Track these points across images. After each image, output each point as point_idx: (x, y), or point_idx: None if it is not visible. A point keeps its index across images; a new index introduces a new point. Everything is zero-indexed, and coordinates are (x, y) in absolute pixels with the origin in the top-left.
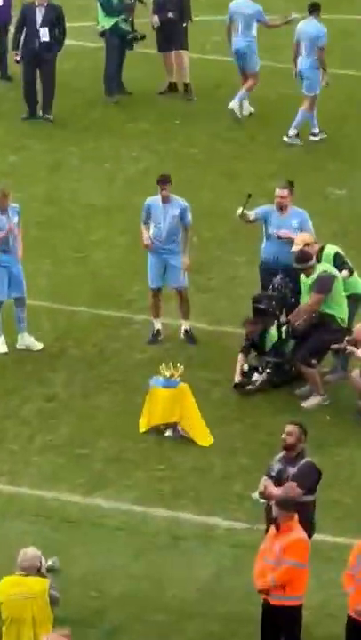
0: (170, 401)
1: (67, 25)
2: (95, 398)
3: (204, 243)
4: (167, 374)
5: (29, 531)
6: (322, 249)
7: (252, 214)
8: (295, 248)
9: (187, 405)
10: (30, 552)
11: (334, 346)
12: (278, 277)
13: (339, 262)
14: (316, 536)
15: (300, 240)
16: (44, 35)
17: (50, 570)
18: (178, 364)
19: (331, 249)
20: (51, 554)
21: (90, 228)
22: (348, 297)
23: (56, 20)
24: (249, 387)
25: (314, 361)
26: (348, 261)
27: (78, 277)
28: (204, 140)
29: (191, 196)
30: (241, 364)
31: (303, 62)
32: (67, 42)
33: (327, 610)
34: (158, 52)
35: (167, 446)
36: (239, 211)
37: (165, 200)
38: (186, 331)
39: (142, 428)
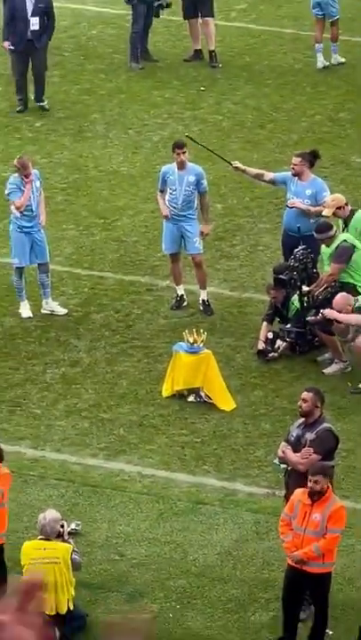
0: (193, 367)
1: None
2: (119, 364)
3: (228, 209)
4: (190, 340)
5: (52, 495)
6: (353, 212)
7: (270, 175)
8: (326, 211)
9: (210, 371)
10: (50, 515)
11: (311, 319)
12: (300, 248)
13: None
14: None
15: (331, 203)
16: (35, 24)
17: (72, 533)
18: (201, 331)
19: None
20: (73, 517)
21: (114, 194)
22: None
23: (45, 9)
24: (272, 354)
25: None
26: None
27: (103, 243)
28: (229, 108)
29: (215, 164)
30: (265, 332)
31: None
32: (93, 8)
33: (348, 575)
34: (184, 20)
35: (190, 411)
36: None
37: (181, 167)
38: (203, 301)
39: (165, 394)
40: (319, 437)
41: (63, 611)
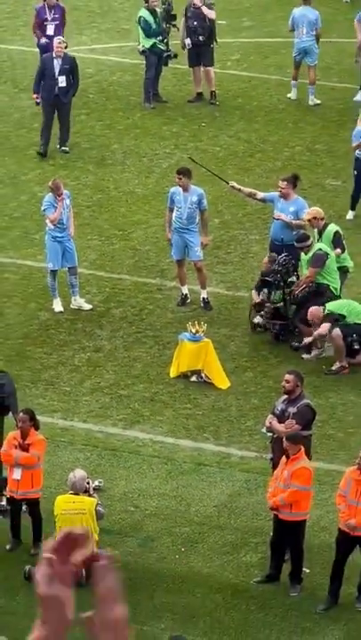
0: (195, 352)
1: (113, 45)
2: (134, 350)
3: (224, 223)
4: (193, 331)
5: (79, 457)
6: (326, 225)
7: (260, 194)
8: (305, 217)
9: (209, 356)
10: (79, 473)
11: (294, 344)
12: (283, 255)
13: (336, 239)
14: (312, 463)
15: (311, 212)
16: (62, 82)
17: (96, 489)
18: (202, 323)
19: (333, 227)
20: (97, 476)
21: (131, 211)
22: (339, 269)
23: (71, 69)
24: (258, 320)
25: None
26: (344, 241)
27: (121, 251)
28: (225, 140)
29: (214, 186)
30: (254, 297)
31: (306, 40)
32: (113, 58)
33: (322, 524)
34: (189, 67)
35: (192, 389)
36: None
37: (185, 189)
38: (203, 299)
39: (172, 374)
40: (300, 411)
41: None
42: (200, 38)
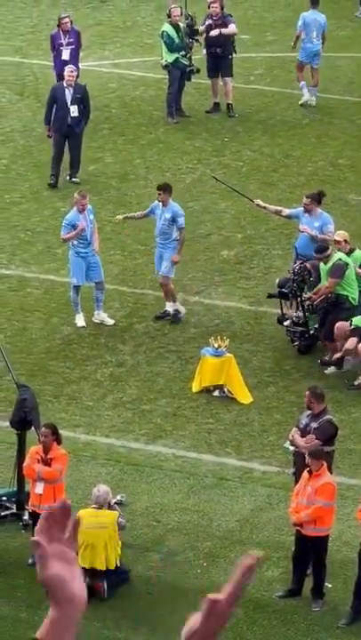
0: (217, 367)
1: (136, 60)
2: (156, 365)
3: (247, 238)
4: (215, 345)
5: (101, 472)
6: (352, 250)
7: (286, 211)
8: (336, 237)
9: (231, 371)
10: (103, 488)
11: (324, 359)
12: (297, 263)
13: None
14: (334, 478)
15: (340, 235)
16: (74, 111)
17: (118, 503)
18: (225, 338)
19: (360, 253)
20: (119, 491)
21: (153, 226)
22: None
23: (82, 98)
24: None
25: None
26: None
27: (144, 266)
28: (248, 155)
29: (237, 201)
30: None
31: (316, 44)
32: (136, 73)
33: (344, 538)
34: (208, 78)
35: (215, 404)
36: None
37: (164, 204)
38: (166, 311)
39: (194, 389)
40: (321, 426)
41: (112, 566)
42: (218, 50)
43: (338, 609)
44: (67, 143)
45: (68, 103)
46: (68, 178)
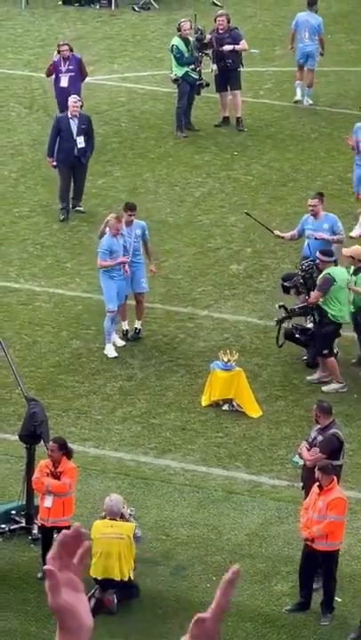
0: (227, 381)
1: (146, 73)
2: (166, 379)
3: (256, 252)
4: (225, 359)
5: (110, 486)
6: (360, 269)
7: (293, 232)
8: (346, 252)
9: (241, 385)
10: (115, 497)
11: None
12: (307, 260)
13: None
14: (343, 492)
15: (354, 250)
16: (81, 142)
17: (131, 515)
18: (234, 352)
19: None
20: (128, 505)
21: (163, 240)
22: None
23: (87, 129)
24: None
25: (325, 351)
26: None
27: (153, 280)
28: (257, 169)
29: (244, 215)
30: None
31: (309, 45)
32: (146, 87)
33: (353, 552)
34: (217, 92)
35: (224, 418)
36: (276, 232)
37: (128, 224)
38: (136, 328)
39: (204, 403)
40: (325, 440)
41: (126, 578)
42: (228, 62)
43: (347, 623)
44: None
45: (75, 134)
46: (71, 207)
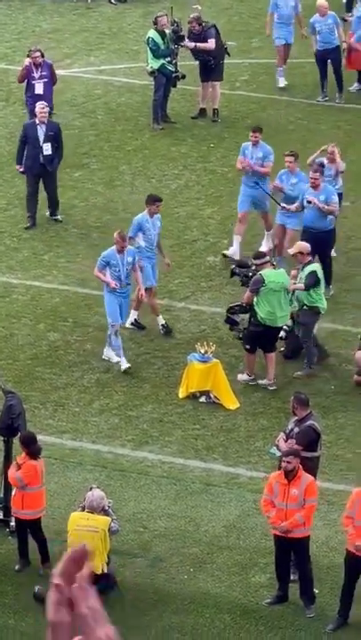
0: (204, 373)
1: (122, 66)
2: (143, 371)
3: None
4: (202, 351)
5: (88, 478)
6: (309, 263)
7: (297, 204)
8: (291, 251)
9: (218, 376)
10: (97, 493)
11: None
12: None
13: (309, 277)
14: (321, 484)
15: (297, 247)
16: (47, 149)
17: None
18: (211, 344)
19: (311, 267)
20: (106, 497)
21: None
22: (310, 308)
23: (55, 136)
24: (236, 329)
25: (248, 347)
26: (319, 278)
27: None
28: (234, 161)
29: (224, 207)
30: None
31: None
32: (122, 79)
33: (331, 544)
34: (201, 82)
35: (201, 410)
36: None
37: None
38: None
39: (181, 395)
40: (301, 431)
41: (98, 571)
42: (209, 60)
43: (326, 614)
44: (41, 182)
45: (41, 141)
46: (48, 214)
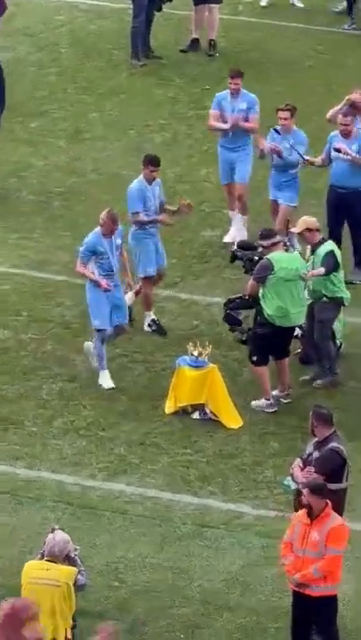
0: (197, 382)
1: None
2: (119, 379)
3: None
4: (195, 354)
5: (49, 517)
6: (321, 242)
7: (323, 156)
8: (295, 230)
9: (215, 386)
10: (60, 536)
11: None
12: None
13: (327, 258)
14: (351, 525)
15: (303, 223)
16: None
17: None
18: (206, 343)
19: (326, 246)
20: (71, 542)
21: (114, 199)
22: (331, 299)
23: None
24: (238, 330)
25: (254, 358)
26: (338, 261)
27: None
28: None
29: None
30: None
31: None
32: (91, 1)
33: None
34: (195, 6)
35: (194, 429)
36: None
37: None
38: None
39: (168, 410)
40: (322, 456)
41: (61, 639)
42: None
43: None
44: None
45: None
46: None
